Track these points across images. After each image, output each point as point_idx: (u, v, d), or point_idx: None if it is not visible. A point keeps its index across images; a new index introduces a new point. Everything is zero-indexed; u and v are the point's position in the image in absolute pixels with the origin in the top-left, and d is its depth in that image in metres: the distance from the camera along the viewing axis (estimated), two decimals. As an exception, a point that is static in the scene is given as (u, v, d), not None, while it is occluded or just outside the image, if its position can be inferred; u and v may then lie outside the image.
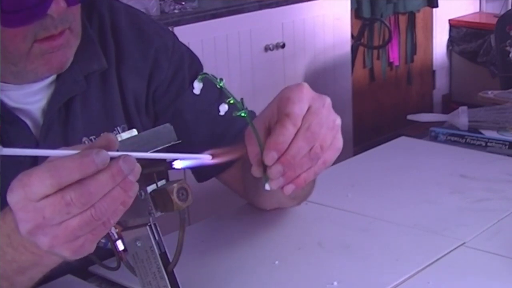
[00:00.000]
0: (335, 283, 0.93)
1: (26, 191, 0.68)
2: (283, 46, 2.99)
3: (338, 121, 0.89)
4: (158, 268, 0.79)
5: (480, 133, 1.47)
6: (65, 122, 1.02)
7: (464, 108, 1.52)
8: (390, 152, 1.43)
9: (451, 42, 4.43)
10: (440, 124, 1.56)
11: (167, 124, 0.78)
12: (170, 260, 0.79)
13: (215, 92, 1.04)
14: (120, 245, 0.80)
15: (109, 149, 0.69)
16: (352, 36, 3.53)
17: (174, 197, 0.74)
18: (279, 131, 0.84)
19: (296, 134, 0.84)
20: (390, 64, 4.13)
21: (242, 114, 0.81)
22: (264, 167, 0.85)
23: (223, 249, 1.04)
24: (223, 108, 0.81)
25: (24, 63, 0.93)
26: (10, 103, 0.98)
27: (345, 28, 3.32)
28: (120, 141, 0.72)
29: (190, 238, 0.97)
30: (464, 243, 1.03)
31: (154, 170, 0.75)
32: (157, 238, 0.79)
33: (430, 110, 4.40)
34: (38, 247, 0.73)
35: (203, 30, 2.70)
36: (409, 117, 1.75)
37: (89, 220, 0.69)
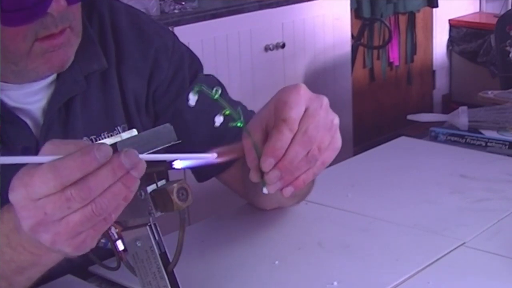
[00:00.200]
0: (335, 283, 0.93)
1: (28, 191, 0.68)
2: (283, 46, 2.98)
3: (336, 120, 0.89)
4: (158, 268, 0.79)
5: (480, 133, 1.47)
6: (65, 122, 1.02)
7: (464, 108, 1.52)
8: (390, 152, 1.43)
9: (451, 42, 4.43)
10: (440, 124, 1.55)
11: (167, 124, 0.78)
12: (170, 260, 0.79)
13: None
14: (120, 245, 0.80)
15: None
16: (352, 36, 3.53)
17: (174, 197, 0.74)
18: (275, 137, 0.84)
19: (293, 139, 0.84)
20: (390, 64, 4.13)
21: (238, 124, 0.81)
22: (262, 172, 0.85)
23: (223, 249, 1.04)
24: (219, 120, 0.81)
25: (25, 62, 0.93)
26: (10, 102, 0.98)
27: (345, 28, 3.32)
28: (120, 141, 0.72)
29: (190, 238, 0.97)
30: (464, 243, 1.03)
31: (154, 170, 0.75)
32: (157, 238, 0.78)
33: (430, 110, 4.40)
34: (37, 247, 0.73)
35: (203, 30, 2.70)
36: (409, 117, 1.75)
37: (90, 215, 0.69)
